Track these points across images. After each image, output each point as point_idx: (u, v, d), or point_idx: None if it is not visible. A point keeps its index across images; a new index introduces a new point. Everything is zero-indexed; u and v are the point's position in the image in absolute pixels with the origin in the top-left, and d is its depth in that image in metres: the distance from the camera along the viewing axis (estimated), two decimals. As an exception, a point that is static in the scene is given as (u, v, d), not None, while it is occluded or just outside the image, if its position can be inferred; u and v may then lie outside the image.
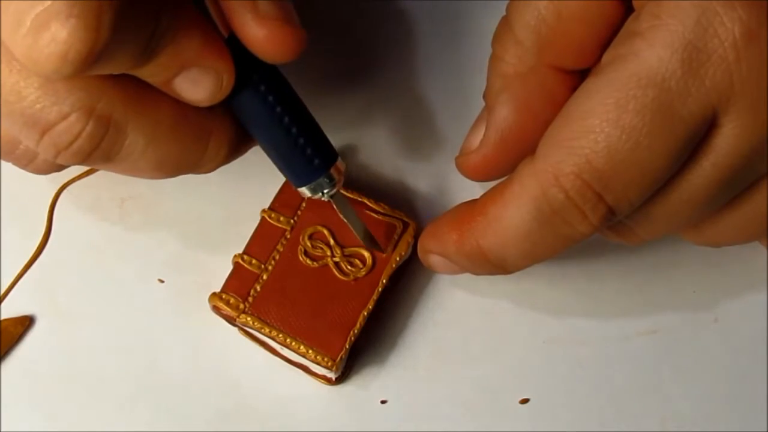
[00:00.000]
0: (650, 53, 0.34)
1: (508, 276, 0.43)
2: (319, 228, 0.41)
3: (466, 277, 0.43)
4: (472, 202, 0.38)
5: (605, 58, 0.35)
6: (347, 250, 0.41)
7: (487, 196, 0.38)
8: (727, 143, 0.34)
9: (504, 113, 0.39)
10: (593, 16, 0.36)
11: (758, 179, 0.36)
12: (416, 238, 0.42)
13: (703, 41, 0.33)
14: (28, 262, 0.43)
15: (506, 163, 0.39)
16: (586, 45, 0.37)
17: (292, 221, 0.42)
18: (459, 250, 0.38)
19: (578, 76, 0.38)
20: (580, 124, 0.35)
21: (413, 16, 0.47)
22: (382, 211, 0.42)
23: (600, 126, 0.34)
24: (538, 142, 0.36)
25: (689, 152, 0.35)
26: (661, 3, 0.34)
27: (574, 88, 0.36)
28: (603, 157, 0.34)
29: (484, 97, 0.40)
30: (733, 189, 0.36)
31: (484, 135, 0.39)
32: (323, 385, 0.42)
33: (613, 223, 0.37)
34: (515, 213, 0.36)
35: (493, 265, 0.38)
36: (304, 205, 0.42)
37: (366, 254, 0.41)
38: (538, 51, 0.38)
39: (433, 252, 0.40)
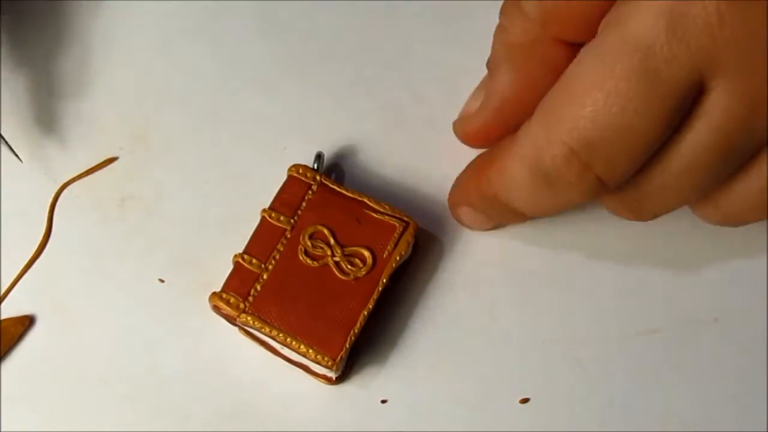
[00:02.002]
0: (636, 19, 0.34)
1: (508, 276, 0.43)
2: (320, 228, 0.41)
3: (466, 278, 0.43)
4: (490, 152, 0.40)
5: (600, 25, 0.36)
6: (347, 250, 0.41)
7: (500, 145, 0.39)
8: (719, 106, 0.35)
9: (505, 80, 0.40)
10: None
11: (762, 146, 0.36)
12: (416, 237, 0.42)
13: (686, 6, 0.34)
14: (28, 262, 0.43)
15: (503, 130, 0.40)
16: (588, 17, 0.37)
17: (292, 221, 0.42)
18: (480, 196, 0.40)
19: (580, 49, 0.38)
20: (569, 89, 0.36)
21: (414, 18, 0.47)
22: (382, 210, 0.42)
23: (587, 90, 0.35)
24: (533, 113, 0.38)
25: (678, 118, 0.35)
26: None
27: None
28: (590, 122, 0.35)
29: (488, 65, 0.41)
30: (733, 154, 0.36)
31: (483, 100, 0.40)
32: (323, 385, 0.42)
33: (622, 197, 0.38)
34: (517, 169, 0.37)
35: (511, 212, 0.39)
36: (304, 205, 0.42)
37: (366, 254, 0.41)
38: (543, 23, 0.38)
39: (459, 203, 0.42)
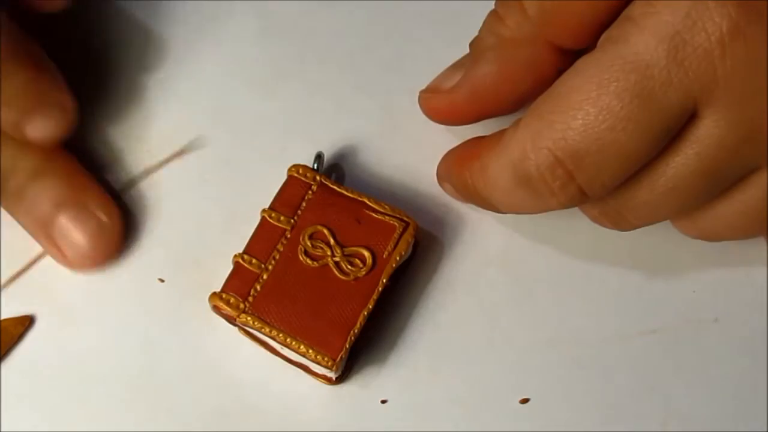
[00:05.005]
0: (638, 39, 0.34)
1: (508, 276, 0.43)
2: (319, 228, 0.41)
3: (466, 278, 0.43)
4: (479, 140, 0.40)
5: (601, 39, 0.36)
6: (347, 250, 0.41)
7: (488, 140, 0.39)
8: (709, 134, 0.35)
9: (487, 70, 0.40)
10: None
11: (749, 173, 0.36)
12: (416, 237, 0.42)
13: (690, 34, 0.34)
14: (29, 263, 0.43)
15: (468, 115, 0.41)
16: (586, 26, 0.37)
17: (292, 221, 0.42)
18: (460, 184, 0.40)
19: (570, 59, 0.38)
20: (562, 99, 0.36)
21: (414, 18, 0.47)
22: (382, 210, 0.42)
23: (580, 103, 0.35)
24: (504, 109, 0.39)
25: (667, 140, 0.35)
26: None
27: (561, 70, 0.37)
28: (579, 134, 0.35)
29: (471, 45, 0.41)
30: (720, 181, 0.36)
31: (458, 81, 0.40)
32: (323, 385, 0.42)
33: (604, 208, 0.38)
34: (499, 168, 0.38)
35: (488, 205, 0.40)
36: (304, 205, 0.42)
37: (366, 254, 0.41)
38: (540, 24, 0.38)
39: (444, 179, 0.42)
